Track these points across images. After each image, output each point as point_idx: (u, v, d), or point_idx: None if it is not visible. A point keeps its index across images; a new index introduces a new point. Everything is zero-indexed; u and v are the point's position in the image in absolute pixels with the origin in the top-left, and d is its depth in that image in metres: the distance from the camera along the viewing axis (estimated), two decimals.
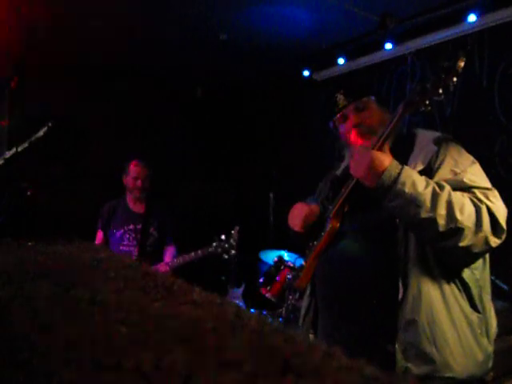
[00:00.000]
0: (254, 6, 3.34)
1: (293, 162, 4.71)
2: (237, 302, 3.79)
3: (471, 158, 1.44)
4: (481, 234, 1.26)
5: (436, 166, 1.40)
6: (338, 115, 1.60)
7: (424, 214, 1.26)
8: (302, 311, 1.73)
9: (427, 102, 1.25)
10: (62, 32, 3.86)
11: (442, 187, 1.29)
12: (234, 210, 5.36)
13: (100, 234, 3.31)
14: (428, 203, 1.26)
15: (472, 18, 3.15)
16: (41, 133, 2.01)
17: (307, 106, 4.70)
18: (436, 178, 1.37)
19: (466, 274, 1.37)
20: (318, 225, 1.64)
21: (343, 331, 1.49)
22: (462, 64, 1.20)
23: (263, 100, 5.37)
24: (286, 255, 3.51)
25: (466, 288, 1.37)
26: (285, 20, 3.56)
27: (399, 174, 1.29)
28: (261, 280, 3.39)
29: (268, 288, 3.33)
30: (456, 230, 1.25)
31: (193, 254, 3.11)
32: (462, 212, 1.25)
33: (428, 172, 1.39)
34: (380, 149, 1.37)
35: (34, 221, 3.54)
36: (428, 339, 1.30)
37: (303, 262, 1.71)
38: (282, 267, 3.35)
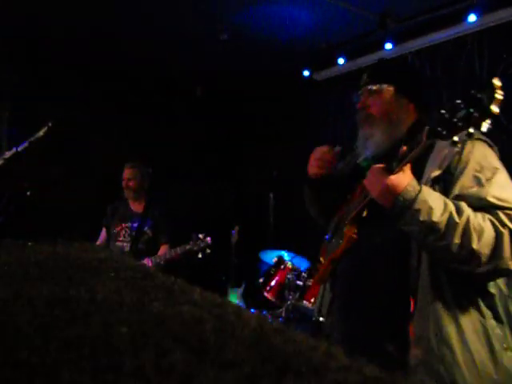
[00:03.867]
0: (254, 6, 3.34)
1: (293, 162, 4.70)
2: (237, 302, 3.79)
3: (497, 162, 1.32)
4: (500, 261, 1.18)
5: (458, 171, 1.29)
6: (359, 91, 1.60)
7: (438, 243, 1.19)
8: (319, 304, 1.69)
9: (455, 139, 1.05)
10: (62, 32, 3.86)
11: (460, 212, 1.20)
12: (234, 210, 5.36)
13: (104, 231, 3.60)
14: (442, 232, 1.18)
15: (472, 18, 3.16)
16: (41, 133, 2.01)
17: (307, 105, 4.70)
18: (457, 188, 1.28)
19: (489, 283, 1.29)
20: (334, 180, 1.62)
21: (353, 333, 1.46)
22: (496, 108, 0.99)
23: (263, 100, 5.37)
24: (285, 255, 3.51)
25: (488, 298, 1.28)
26: (285, 20, 3.56)
27: (414, 199, 1.20)
28: (261, 280, 3.39)
29: (268, 288, 3.33)
30: (471, 258, 1.18)
31: (172, 251, 3.22)
32: (479, 239, 1.17)
33: (447, 177, 1.30)
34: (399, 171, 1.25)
35: (34, 221, 3.55)
36: (436, 357, 1.23)
37: (320, 258, 1.68)
38: (282, 267, 3.36)
